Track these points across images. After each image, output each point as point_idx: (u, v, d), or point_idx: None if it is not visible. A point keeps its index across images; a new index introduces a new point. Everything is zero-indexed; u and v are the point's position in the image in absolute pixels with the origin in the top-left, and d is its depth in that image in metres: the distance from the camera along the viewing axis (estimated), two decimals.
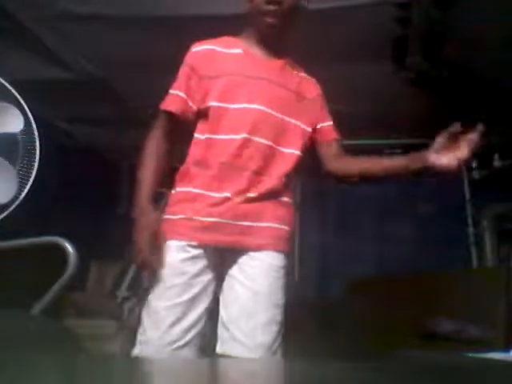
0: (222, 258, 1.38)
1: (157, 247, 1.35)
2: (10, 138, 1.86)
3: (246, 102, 1.37)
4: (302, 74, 1.51)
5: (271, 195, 1.39)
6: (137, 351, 1.39)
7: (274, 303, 1.35)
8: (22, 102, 1.87)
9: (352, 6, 2.23)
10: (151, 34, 2.50)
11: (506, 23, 2.29)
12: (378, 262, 3.57)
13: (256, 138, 1.36)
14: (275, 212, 1.40)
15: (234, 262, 1.38)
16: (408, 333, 2.61)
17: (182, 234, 1.38)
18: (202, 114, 1.41)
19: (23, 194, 1.84)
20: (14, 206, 1.82)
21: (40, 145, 1.90)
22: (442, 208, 3.80)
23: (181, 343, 1.29)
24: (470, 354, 1.28)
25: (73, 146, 3.82)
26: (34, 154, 1.89)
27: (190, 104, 1.42)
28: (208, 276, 1.35)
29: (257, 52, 1.44)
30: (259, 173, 1.37)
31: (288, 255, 1.43)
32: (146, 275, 1.45)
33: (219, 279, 1.38)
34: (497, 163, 3.59)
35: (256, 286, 1.34)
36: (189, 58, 1.46)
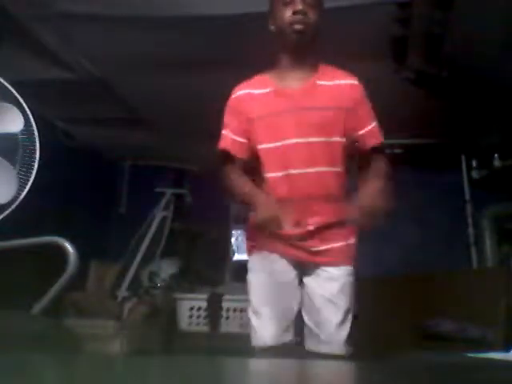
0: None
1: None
2: (10, 138, 1.86)
3: (279, 140, 1.51)
4: (337, 82, 1.57)
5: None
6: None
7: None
8: (22, 101, 1.87)
9: (352, 6, 2.22)
10: (151, 34, 2.50)
11: (506, 23, 2.29)
12: (378, 261, 3.57)
13: (295, 171, 1.49)
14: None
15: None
16: (408, 333, 2.62)
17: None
18: (258, 154, 1.56)
19: (23, 194, 1.84)
20: (14, 206, 1.82)
21: (40, 145, 1.89)
22: (442, 208, 3.80)
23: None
24: (470, 354, 1.28)
25: (73, 146, 3.82)
26: (34, 154, 1.89)
27: (240, 140, 1.57)
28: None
29: (286, 81, 1.55)
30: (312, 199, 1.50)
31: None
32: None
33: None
34: (497, 163, 3.59)
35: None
36: (231, 102, 1.61)
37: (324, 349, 1.48)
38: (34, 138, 1.89)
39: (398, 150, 3.81)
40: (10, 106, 1.85)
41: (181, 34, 2.48)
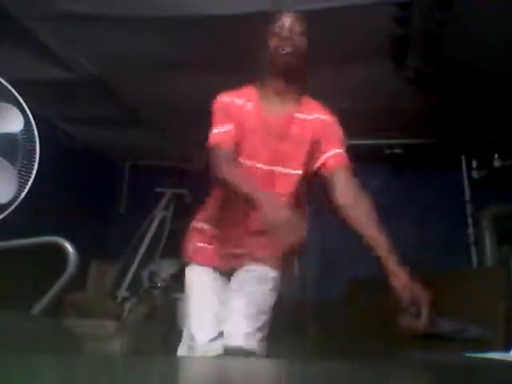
0: None
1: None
2: (10, 138, 1.86)
3: (248, 160, 1.55)
4: (314, 116, 1.59)
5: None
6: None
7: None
8: (22, 102, 1.87)
9: (352, 6, 2.22)
10: (151, 34, 2.50)
11: (506, 23, 2.29)
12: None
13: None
14: None
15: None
16: (408, 333, 2.61)
17: None
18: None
19: (23, 194, 1.84)
20: (14, 206, 1.82)
21: (40, 145, 1.89)
22: (442, 208, 3.80)
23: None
24: (470, 354, 1.28)
25: (73, 146, 3.82)
26: (34, 154, 1.89)
27: (228, 129, 1.57)
28: None
29: (269, 104, 1.58)
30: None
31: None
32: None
33: None
34: (497, 163, 3.59)
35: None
36: (218, 105, 1.61)
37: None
38: (34, 138, 1.89)
39: (397, 150, 3.81)
40: (10, 106, 1.85)
41: (181, 34, 2.48)
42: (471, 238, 3.75)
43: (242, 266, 1.57)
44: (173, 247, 4.07)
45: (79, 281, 3.43)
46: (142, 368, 0.77)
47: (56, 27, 2.46)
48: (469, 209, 3.81)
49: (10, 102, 1.85)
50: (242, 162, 1.55)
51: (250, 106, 1.59)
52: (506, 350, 1.52)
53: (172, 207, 4.18)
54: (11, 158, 1.85)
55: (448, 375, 0.75)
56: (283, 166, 1.56)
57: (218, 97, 1.63)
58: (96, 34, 2.52)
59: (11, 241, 1.84)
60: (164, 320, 3.35)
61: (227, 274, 1.60)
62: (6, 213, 1.80)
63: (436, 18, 2.27)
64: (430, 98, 3.03)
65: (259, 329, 1.47)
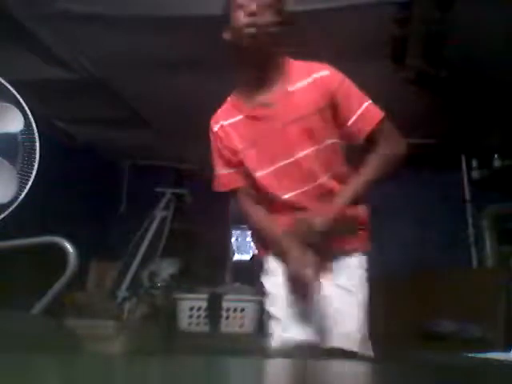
0: None
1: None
2: (10, 138, 1.86)
3: (270, 165, 1.43)
4: (309, 80, 1.43)
5: None
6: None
7: None
8: (22, 102, 1.87)
9: (352, 6, 2.22)
10: (151, 34, 2.50)
11: (506, 23, 2.29)
12: (377, 261, 3.56)
13: (292, 193, 1.43)
14: None
15: None
16: (408, 333, 2.61)
17: None
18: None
19: (23, 194, 1.84)
20: (14, 206, 1.82)
21: (40, 145, 1.89)
22: (442, 208, 3.80)
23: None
24: (470, 354, 1.28)
25: (73, 146, 3.82)
26: (34, 154, 1.88)
27: (235, 171, 1.51)
28: None
29: (257, 99, 1.45)
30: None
31: None
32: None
33: None
34: (497, 163, 3.59)
35: None
36: (213, 138, 1.54)
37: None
38: (34, 138, 1.89)
39: None
40: (10, 106, 1.85)
41: (181, 33, 2.48)
42: (471, 238, 3.75)
43: None
44: (173, 247, 4.08)
45: (79, 281, 3.43)
46: (141, 368, 0.77)
47: (56, 27, 2.45)
48: (469, 209, 3.81)
49: (10, 102, 1.85)
50: (266, 172, 1.44)
51: (241, 116, 1.47)
52: (506, 350, 1.52)
53: (172, 207, 4.18)
54: (11, 158, 1.85)
55: (448, 375, 0.75)
56: (309, 146, 1.40)
57: (211, 127, 1.54)
58: (96, 34, 2.52)
59: (11, 241, 1.84)
60: (164, 320, 3.35)
61: None
62: (6, 213, 1.80)
63: (436, 17, 2.27)
64: (429, 98, 3.03)
65: None
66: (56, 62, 2.76)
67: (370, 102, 1.45)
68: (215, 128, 1.52)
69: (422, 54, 2.56)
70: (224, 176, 1.52)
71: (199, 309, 3.29)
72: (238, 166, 1.49)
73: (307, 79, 1.43)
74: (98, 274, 3.80)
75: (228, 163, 1.50)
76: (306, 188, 1.43)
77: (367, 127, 1.42)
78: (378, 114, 1.44)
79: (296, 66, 1.46)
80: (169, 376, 0.74)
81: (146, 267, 3.92)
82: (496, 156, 3.59)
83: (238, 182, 1.51)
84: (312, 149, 1.41)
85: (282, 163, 1.42)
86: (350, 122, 1.41)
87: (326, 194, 1.43)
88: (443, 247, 3.65)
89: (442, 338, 2.52)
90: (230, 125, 1.49)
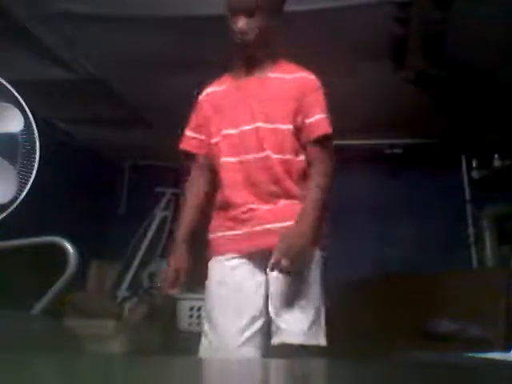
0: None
1: (177, 282, 1.64)
2: (10, 138, 1.86)
3: (235, 128, 1.56)
4: (290, 76, 1.57)
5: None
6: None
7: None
8: (22, 102, 1.87)
9: (352, 6, 2.22)
10: (151, 34, 2.50)
11: (507, 23, 2.29)
12: (378, 262, 3.57)
13: (248, 156, 1.54)
14: None
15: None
16: (408, 333, 2.62)
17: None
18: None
19: (23, 194, 1.84)
20: (14, 206, 1.82)
21: (40, 145, 1.89)
22: (442, 208, 3.80)
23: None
24: (470, 354, 1.28)
25: (73, 146, 3.82)
26: (34, 154, 1.89)
27: (198, 137, 1.66)
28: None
29: (241, 73, 1.62)
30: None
31: None
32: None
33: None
34: (497, 163, 3.59)
35: None
36: (197, 102, 1.70)
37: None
38: (34, 138, 1.89)
39: (397, 150, 3.81)
40: (10, 106, 1.85)
41: (181, 34, 2.48)
42: (471, 238, 3.75)
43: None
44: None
45: (79, 281, 3.43)
46: (142, 368, 0.77)
47: (56, 27, 2.46)
48: (469, 209, 3.81)
49: (10, 102, 1.85)
50: (225, 133, 1.56)
51: (225, 86, 1.64)
52: (506, 349, 1.52)
53: (172, 207, 4.18)
54: (11, 158, 1.85)
55: (448, 375, 0.75)
56: (270, 122, 1.53)
57: (201, 94, 1.69)
58: (96, 34, 2.52)
59: (11, 241, 1.84)
60: (164, 320, 3.35)
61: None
62: (6, 213, 1.80)
63: (436, 17, 2.28)
64: (429, 97, 3.03)
65: None
66: (56, 62, 2.76)
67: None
68: (204, 92, 1.69)
69: (422, 54, 2.56)
70: (188, 138, 1.67)
71: (199, 309, 3.28)
72: (205, 135, 1.63)
73: (289, 75, 1.57)
74: (98, 274, 3.80)
75: (196, 128, 1.66)
76: (250, 156, 1.53)
77: (320, 131, 1.52)
78: (330, 128, 1.53)
79: (283, 63, 1.61)
80: (169, 376, 0.74)
81: (145, 267, 3.92)
82: (496, 156, 3.59)
83: (197, 148, 1.66)
84: (268, 124, 1.53)
85: (241, 128, 1.55)
86: (307, 121, 1.52)
87: (268, 170, 1.51)
88: (443, 247, 3.65)
89: (442, 337, 2.52)
90: (212, 93, 1.67)
